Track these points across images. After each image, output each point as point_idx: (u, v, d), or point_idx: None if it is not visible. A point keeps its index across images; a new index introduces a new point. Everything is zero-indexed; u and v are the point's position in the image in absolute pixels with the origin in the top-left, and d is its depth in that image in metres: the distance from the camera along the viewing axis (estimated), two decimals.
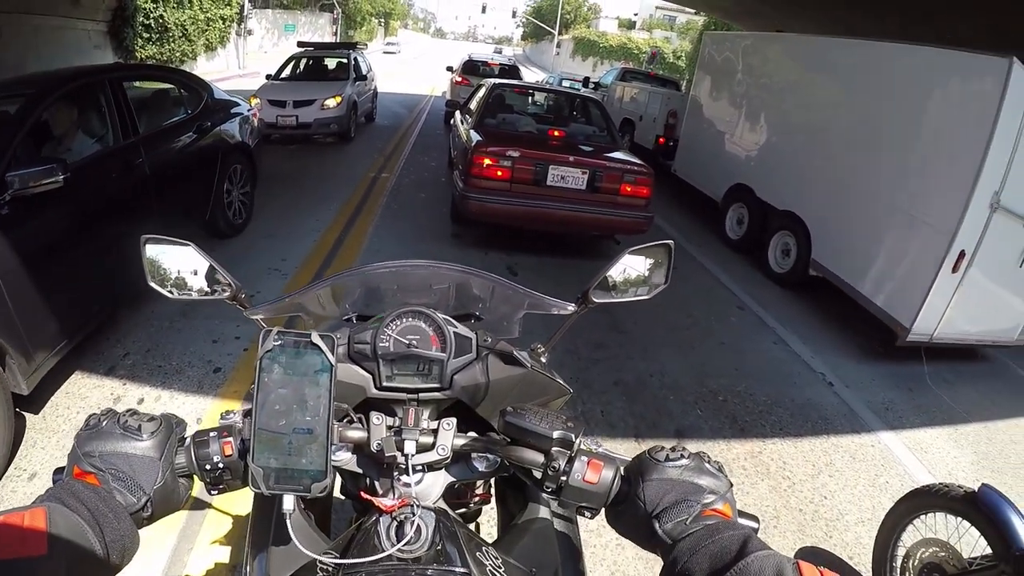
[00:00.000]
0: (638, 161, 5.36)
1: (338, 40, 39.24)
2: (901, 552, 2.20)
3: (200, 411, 2.92)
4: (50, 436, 2.68)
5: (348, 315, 1.20)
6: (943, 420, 3.96)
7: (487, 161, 4.85)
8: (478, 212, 5.01)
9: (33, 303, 2.60)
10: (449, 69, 14.63)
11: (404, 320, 0.99)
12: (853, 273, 5.04)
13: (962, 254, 4.21)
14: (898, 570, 2.19)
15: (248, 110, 5.46)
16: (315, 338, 0.72)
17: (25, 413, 2.76)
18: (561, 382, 1.06)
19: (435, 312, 1.00)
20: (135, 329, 3.57)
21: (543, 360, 1.13)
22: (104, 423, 0.70)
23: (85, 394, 3.00)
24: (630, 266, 1.13)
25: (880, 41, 5.33)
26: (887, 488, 3.06)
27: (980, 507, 1.91)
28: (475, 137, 5.17)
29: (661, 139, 9.68)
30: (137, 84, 4.33)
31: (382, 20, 58.53)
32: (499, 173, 4.87)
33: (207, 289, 1.03)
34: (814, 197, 5.66)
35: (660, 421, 3.24)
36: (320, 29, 39.10)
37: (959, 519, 2.03)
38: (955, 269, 4.23)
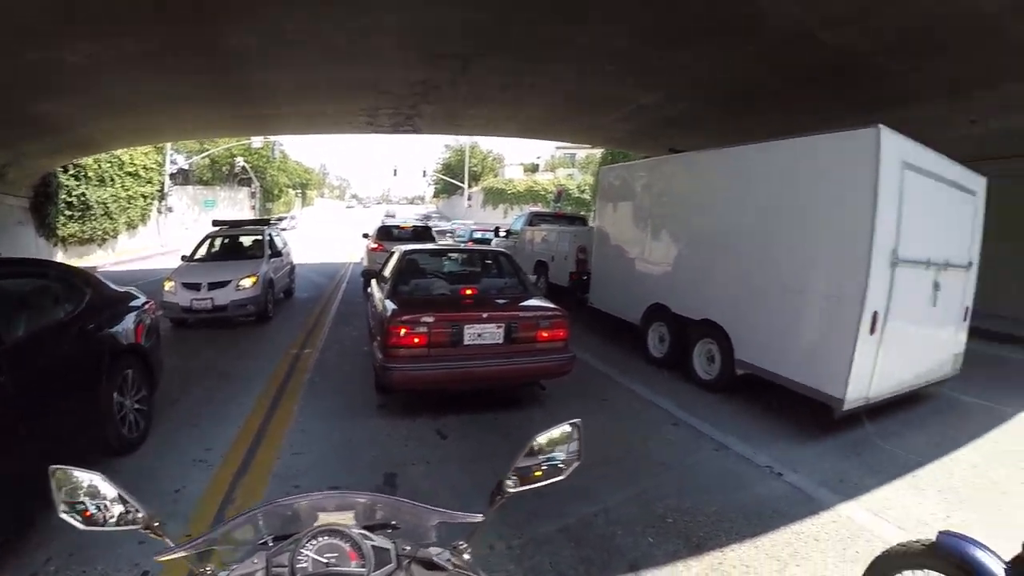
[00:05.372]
0: (551, 305, 5.56)
1: (258, 213, 40.22)
2: None
3: None
4: None
5: (264, 538, 1.17)
6: (899, 472, 3.98)
7: (403, 330, 4.91)
8: (400, 381, 4.97)
9: None
10: (365, 236, 15.00)
11: (320, 539, 0.99)
12: (778, 362, 5.18)
13: (875, 315, 4.38)
14: None
15: (143, 304, 4.99)
16: None
17: None
18: None
19: (349, 528, 1.01)
20: (57, 530, 3.17)
21: (466, 557, 1.12)
22: None
23: None
24: (541, 451, 1.20)
25: (753, 144, 5.81)
26: (858, 559, 2.99)
27: (943, 555, 1.86)
28: (390, 307, 5.26)
29: (573, 275, 10.21)
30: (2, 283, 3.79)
31: (299, 192, 60.71)
32: (416, 340, 4.92)
33: (120, 519, 1.06)
34: (726, 300, 5.94)
35: (611, 560, 3.11)
36: (239, 203, 40.11)
37: (928, 572, 1.95)
38: (872, 331, 4.39)
